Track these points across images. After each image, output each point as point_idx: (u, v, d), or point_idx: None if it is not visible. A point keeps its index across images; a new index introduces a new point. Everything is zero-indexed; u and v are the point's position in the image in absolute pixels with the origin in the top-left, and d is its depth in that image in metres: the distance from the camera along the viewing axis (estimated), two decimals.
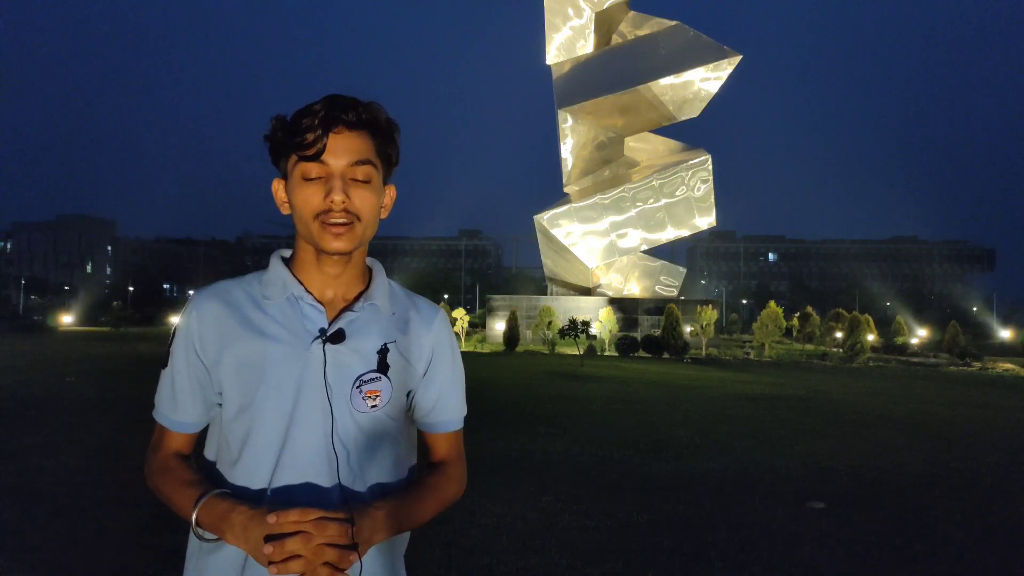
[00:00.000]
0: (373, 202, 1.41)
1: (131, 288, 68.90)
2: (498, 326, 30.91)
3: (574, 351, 26.04)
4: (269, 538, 1.20)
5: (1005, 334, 44.72)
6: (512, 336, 28.56)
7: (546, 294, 33.71)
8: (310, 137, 1.35)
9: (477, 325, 38.55)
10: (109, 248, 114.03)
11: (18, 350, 22.51)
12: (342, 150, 1.36)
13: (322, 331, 1.40)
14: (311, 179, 1.37)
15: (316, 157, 1.35)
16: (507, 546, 5.02)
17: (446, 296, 72.28)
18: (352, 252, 1.41)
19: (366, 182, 1.39)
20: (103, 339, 31.34)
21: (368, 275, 1.52)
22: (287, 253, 1.51)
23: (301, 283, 1.44)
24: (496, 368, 19.97)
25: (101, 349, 24.39)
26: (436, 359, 1.53)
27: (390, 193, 1.50)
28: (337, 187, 1.36)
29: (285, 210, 1.46)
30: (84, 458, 7.30)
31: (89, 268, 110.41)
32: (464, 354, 22.97)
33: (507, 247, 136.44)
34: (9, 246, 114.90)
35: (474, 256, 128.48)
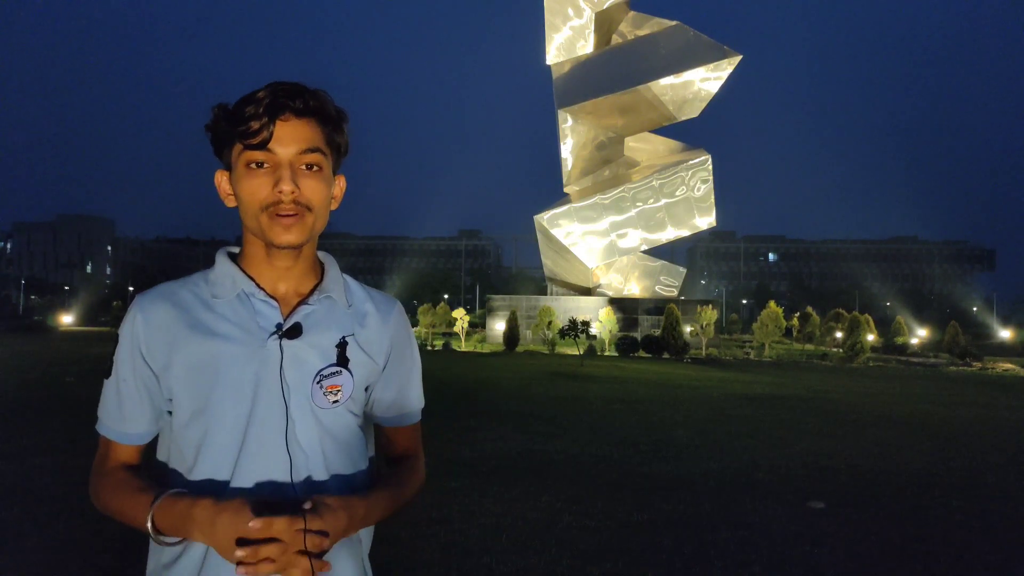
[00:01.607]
0: (324, 192, 1.35)
1: (131, 288, 68.89)
2: (498, 326, 30.91)
3: (574, 351, 26.04)
4: (242, 541, 1.16)
5: (1005, 334, 44.75)
6: (512, 336, 28.56)
7: (546, 294, 33.72)
8: (255, 125, 1.28)
9: (477, 325, 38.56)
10: (109, 248, 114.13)
11: (18, 350, 22.52)
12: (290, 138, 1.30)
13: (278, 326, 1.34)
14: (258, 168, 1.31)
15: (262, 145, 1.29)
16: (507, 546, 5.01)
17: (446, 296, 72.21)
18: (303, 245, 1.36)
19: (316, 171, 1.34)
20: (103, 339, 31.34)
21: (320, 269, 1.46)
22: (235, 250, 1.45)
23: (252, 279, 1.38)
24: (496, 368, 19.97)
25: (101, 349, 24.37)
26: (395, 352, 1.49)
27: (340, 184, 1.44)
28: (286, 176, 1.29)
29: (230, 203, 1.39)
30: (83, 458, 7.28)
31: (89, 268, 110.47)
32: (464, 354, 22.89)
33: (507, 247, 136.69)
34: (9, 246, 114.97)
35: (474, 256, 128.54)
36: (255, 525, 1.15)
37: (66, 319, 43.05)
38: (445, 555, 4.81)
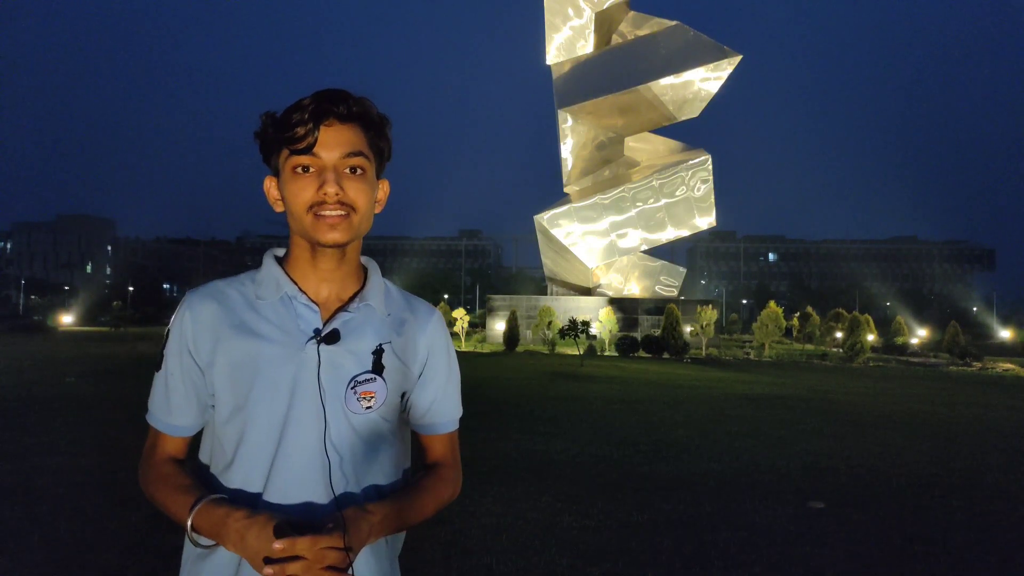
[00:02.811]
0: (367, 194, 1.39)
1: (131, 288, 68.93)
2: (498, 326, 30.92)
3: (574, 351, 26.04)
4: (269, 560, 1.18)
5: (1005, 334, 44.78)
6: (512, 336, 28.56)
7: (546, 294, 33.73)
8: (301, 131, 1.33)
9: (477, 325, 38.57)
10: (109, 248, 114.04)
11: (18, 350, 22.52)
12: (334, 142, 1.34)
13: (316, 331, 1.38)
14: (304, 173, 1.35)
15: (308, 150, 1.34)
16: (507, 546, 5.02)
17: (446, 296, 72.24)
18: (347, 244, 1.39)
19: (360, 174, 1.38)
20: (103, 339, 31.34)
21: (363, 275, 1.50)
22: (280, 252, 1.48)
23: (295, 282, 1.42)
24: (496, 368, 19.97)
25: (101, 349, 24.38)
26: (432, 360, 1.51)
27: (384, 187, 1.48)
28: (330, 179, 1.34)
29: (279, 208, 1.43)
30: (84, 458, 7.30)
31: (89, 268, 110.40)
32: (464, 354, 22.84)
33: (507, 247, 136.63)
34: (9, 246, 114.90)
35: (474, 256, 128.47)
36: (278, 547, 1.18)
37: (66, 319, 43.07)
38: (445, 555, 4.81)
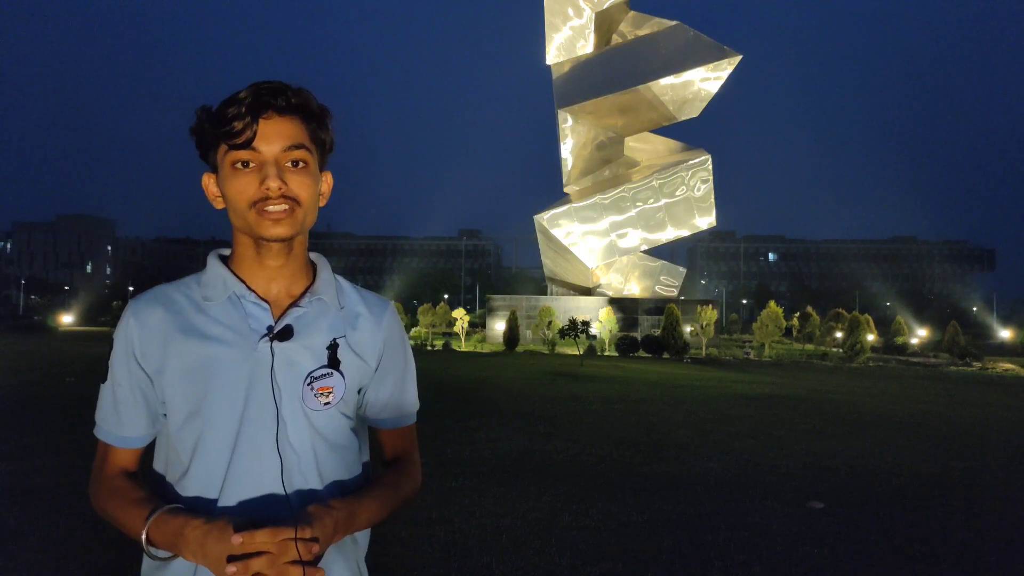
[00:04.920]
0: (311, 187, 1.35)
1: (131, 288, 68.88)
2: (498, 326, 30.91)
3: (574, 351, 26.03)
4: (232, 558, 1.16)
5: (1005, 334, 44.72)
6: (512, 336, 28.55)
7: (546, 294, 33.73)
8: (238, 125, 1.29)
9: (477, 325, 38.56)
10: (109, 248, 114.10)
11: (18, 350, 22.51)
12: (274, 135, 1.31)
13: (269, 329, 1.35)
14: (243, 168, 1.32)
15: (247, 145, 1.30)
16: (507, 546, 5.01)
17: (446, 296, 72.19)
18: (293, 239, 1.36)
19: (302, 167, 1.34)
20: (103, 339, 31.33)
21: (312, 270, 1.46)
22: (226, 252, 1.45)
23: (243, 281, 1.38)
24: (496, 368, 19.96)
25: (101, 349, 24.34)
26: (387, 354, 1.48)
27: (327, 180, 1.45)
28: (272, 173, 1.30)
29: (219, 204, 1.40)
30: (83, 458, 7.27)
31: (89, 268, 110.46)
32: (464, 354, 22.75)
33: (507, 247, 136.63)
34: (9, 246, 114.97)
35: (474, 256, 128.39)
36: (237, 540, 1.16)
37: (66, 319, 43.02)
38: (445, 555, 4.81)
